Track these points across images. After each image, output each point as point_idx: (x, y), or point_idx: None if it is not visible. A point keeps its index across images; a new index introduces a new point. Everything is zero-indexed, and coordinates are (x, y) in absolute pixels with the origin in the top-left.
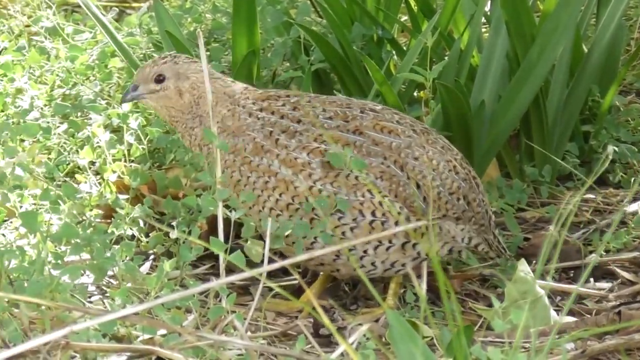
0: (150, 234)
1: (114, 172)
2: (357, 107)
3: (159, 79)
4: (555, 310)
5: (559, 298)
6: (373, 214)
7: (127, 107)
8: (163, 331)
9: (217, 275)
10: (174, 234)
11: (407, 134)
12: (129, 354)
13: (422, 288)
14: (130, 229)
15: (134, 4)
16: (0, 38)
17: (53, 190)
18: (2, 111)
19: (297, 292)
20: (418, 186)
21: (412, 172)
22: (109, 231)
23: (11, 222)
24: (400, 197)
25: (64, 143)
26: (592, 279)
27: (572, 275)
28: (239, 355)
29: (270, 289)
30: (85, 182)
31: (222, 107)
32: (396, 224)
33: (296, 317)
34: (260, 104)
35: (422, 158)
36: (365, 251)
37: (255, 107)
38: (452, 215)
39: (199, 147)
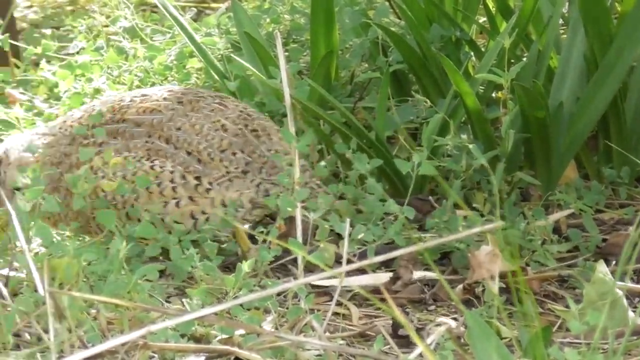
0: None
1: None
2: (129, 97)
3: None
4: (633, 311)
5: (637, 299)
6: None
7: None
8: (241, 331)
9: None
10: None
11: (170, 108)
12: (207, 354)
13: (494, 288)
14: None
15: (213, 5)
16: (78, 38)
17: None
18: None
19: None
20: (189, 153)
21: (177, 142)
22: (190, 230)
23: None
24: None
25: None
26: None
27: None
28: (317, 355)
29: (349, 290)
30: None
31: None
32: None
33: (375, 317)
34: None
35: (184, 126)
36: None
37: None
38: (236, 170)
39: None
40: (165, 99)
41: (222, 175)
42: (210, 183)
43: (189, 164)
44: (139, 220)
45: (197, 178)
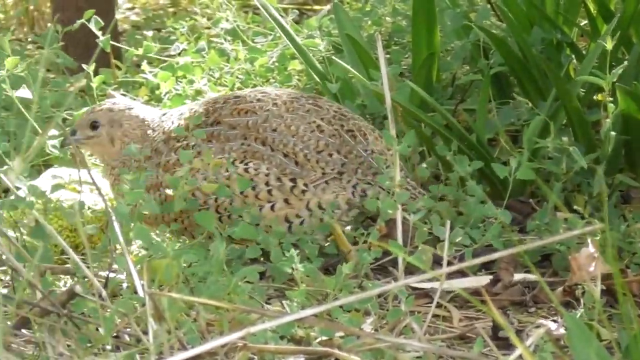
0: (329, 237)
1: None
2: (222, 99)
3: (94, 125)
4: None
5: None
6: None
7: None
8: (341, 333)
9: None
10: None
11: (265, 109)
12: (306, 355)
13: (595, 290)
14: (312, 232)
15: (315, 7)
16: (179, 40)
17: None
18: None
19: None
20: (285, 155)
21: (274, 143)
22: (289, 233)
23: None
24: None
25: None
26: None
27: None
28: (416, 357)
29: (449, 292)
30: None
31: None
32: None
33: (475, 320)
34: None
35: (279, 128)
36: None
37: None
38: (332, 171)
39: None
40: (259, 100)
41: (319, 177)
42: (305, 185)
43: (285, 166)
44: (229, 218)
45: (293, 180)
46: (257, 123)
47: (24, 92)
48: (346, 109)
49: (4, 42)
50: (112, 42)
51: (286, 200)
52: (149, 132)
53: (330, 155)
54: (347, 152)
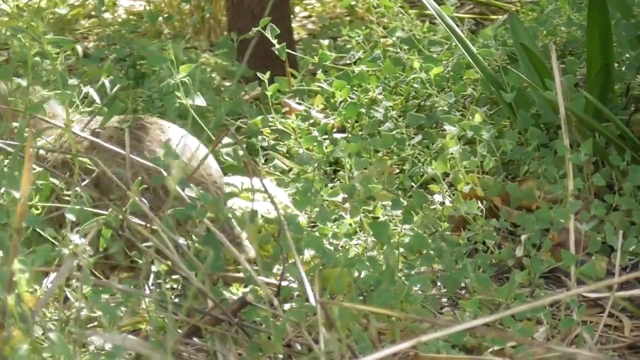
0: (502, 246)
1: (467, 184)
2: None
3: None
4: None
5: None
6: None
7: (479, 119)
8: (513, 343)
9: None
10: (519, 250)
11: None
12: None
13: None
14: (484, 242)
15: (492, 16)
16: (355, 48)
17: (405, 201)
18: (357, 122)
19: None
20: None
21: None
22: (461, 242)
23: (363, 234)
24: None
25: (418, 154)
26: None
27: None
28: None
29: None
30: (438, 193)
31: None
32: None
33: None
34: None
35: None
36: None
37: None
38: None
39: None
40: None
41: None
42: None
43: None
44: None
45: None
46: None
47: (199, 100)
48: None
49: (178, 50)
50: (287, 50)
51: None
52: None
53: None
54: None
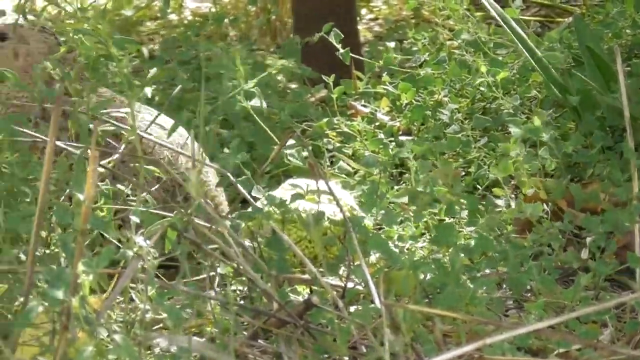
0: (567, 248)
1: (531, 187)
2: None
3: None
4: None
5: None
6: None
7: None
8: (578, 345)
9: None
10: (584, 253)
11: None
12: None
13: None
14: (549, 244)
15: (557, 19)
16: (421, 51)
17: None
18: (422, 124)
19: None
20: None
21: None
22: (526, 245)
23: (428, 236)
24: None
25: (484, 157)
26: None
27: None
28: None
29: None
30: (503, 196)
31: None
32: None
33: None
34: None
35: None
36: None
37: None
38: None
39: None
40: None
41: None
42: None
43: None
44: None
45: None
46: None
47: (258, 102)
48: None
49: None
50: (352, 55)
51: None
52: None
53: None
54: None
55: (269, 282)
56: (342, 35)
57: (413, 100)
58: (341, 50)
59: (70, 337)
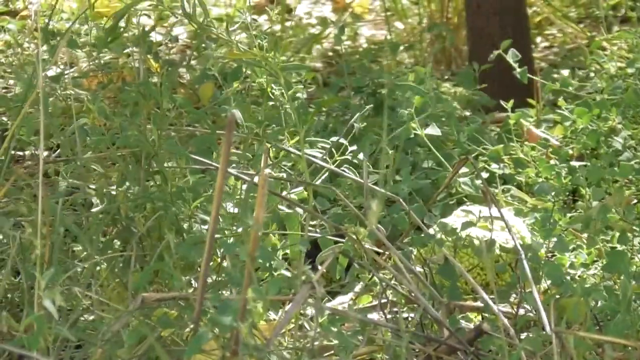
0: None
1: None
2: None
3: None
4: None
5: None
6: None
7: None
8: None
9: None
10: None
11: None
12: None
13: None
14: None
15: None
16: (596, 78)
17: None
18: (594, 149)
19: None
20: None
21: None
22: None
23: (600, 263)
24: None
25: None
26: None
27: None
28: None
29: None
30: None
31: None
32: None
33: None
34: None
35: None
36: None
37: None
38: None
39: None
40: None
41: None
42: None
43: None
44: None
45: None
46: None
47: (433, 130)
48: None
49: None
50: (529, 76)
51: None
52: None
53: None
54: None
55: (440, 309)
56: (519, 56)
57: (588, 126)
58: (518, 70)
59: None
